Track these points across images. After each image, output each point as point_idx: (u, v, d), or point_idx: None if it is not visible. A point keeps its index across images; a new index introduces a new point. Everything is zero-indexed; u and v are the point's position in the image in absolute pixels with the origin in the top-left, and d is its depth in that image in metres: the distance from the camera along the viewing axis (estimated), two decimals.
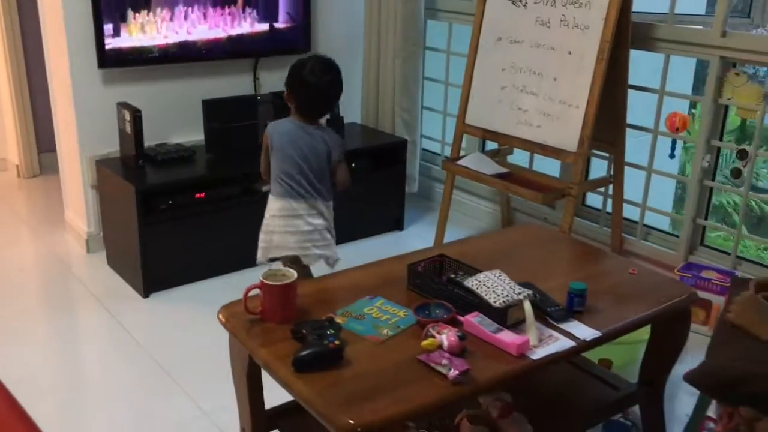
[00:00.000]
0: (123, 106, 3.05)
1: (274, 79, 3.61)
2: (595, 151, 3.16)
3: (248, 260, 3.13)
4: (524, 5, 3.01)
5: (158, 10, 3.14)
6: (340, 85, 2.49)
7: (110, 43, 3.05)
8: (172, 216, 2.95)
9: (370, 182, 3.54)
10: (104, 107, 3.17)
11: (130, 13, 3.08)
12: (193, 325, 2.79)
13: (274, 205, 2.49)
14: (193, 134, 3.38)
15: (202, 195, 3.02)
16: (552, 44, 2.91)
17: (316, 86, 2.41)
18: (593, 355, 2.23)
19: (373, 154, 3.58)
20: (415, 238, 3.59)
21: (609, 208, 3.21)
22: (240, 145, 3.27)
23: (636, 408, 2.17)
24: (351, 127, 3.79)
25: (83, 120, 3.15)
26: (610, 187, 3.15)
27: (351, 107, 3.86)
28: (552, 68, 2.92)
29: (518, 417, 1.88)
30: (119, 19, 3.05)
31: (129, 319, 2.83)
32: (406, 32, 3.65)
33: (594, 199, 3.45)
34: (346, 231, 3.47)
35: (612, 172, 3.10)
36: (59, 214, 3.63)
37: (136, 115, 2.98)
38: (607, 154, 3.16)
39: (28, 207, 3.99)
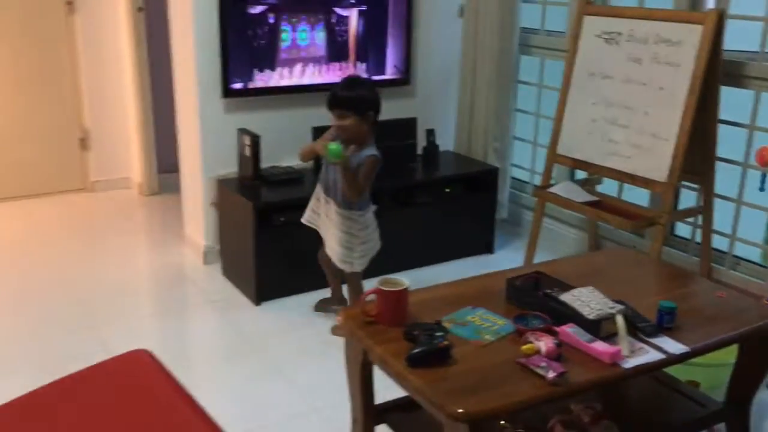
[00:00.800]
0: (243, 131, 3.38)
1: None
2: (685, 183, 3.27)
3: None
4: (617, 43, 3.17)
5: (279, 68, 3.50)
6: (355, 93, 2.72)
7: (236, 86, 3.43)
8: (283, 231, 3.24)
9: (462, 207, 3.75)
10: (225, 132, 3.52)
11: (255, 72, 3.46)
12: (300, 330, 3.06)
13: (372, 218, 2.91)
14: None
15: None
16: (643, 80, 3.06)
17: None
18: (681, 377, 2.35)
19: (465, 181, 3.79)
20: (505, 260, 3.76)
21: (698, 239, 3.30)
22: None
23: (722, 427, 2.27)
24: (445, 155, 4.02)
25: (206, 144, 3.51)
26: (700, 217, 3.25)
27: (445, 136, 4.09)
28: (643, 102, 3.06)
29: (608, 424, 2.02)
30: (247, 76, 3.44)
31: (243, 323, 3.12)
32: (500, 67, 3.87)
33: (683, 230, 3.54)
34: (439, 252, 3.70)
35: (701, 203, 3.20)
36: (177, 228, 4.01)
37: (255, 140, 3.30)
38: (696, 186, 3.26)
39: (149, 222, 4.40)
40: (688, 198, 3.46)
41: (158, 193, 4.74)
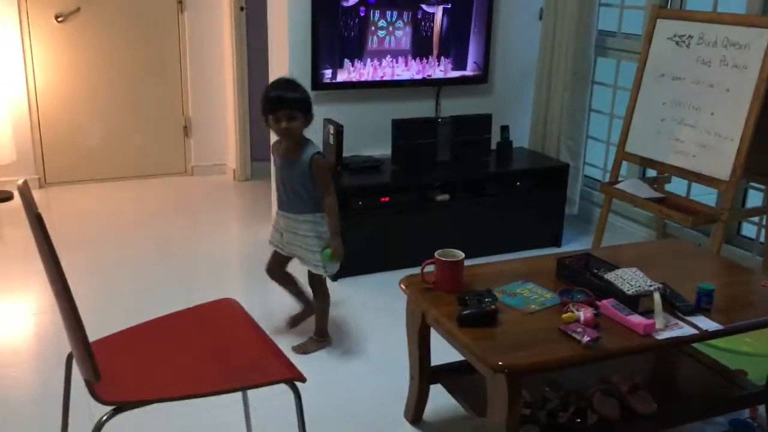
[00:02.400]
0: (328, 121, 3.69)
1: (452, 104, 4.13)
2: (752, 184, 3.33)
3: (419, 259, 3.64)
4: (687, 46, 3.28)
5: (365, 62, 3.78)
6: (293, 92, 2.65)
7: (326, 78, 3.73)
8: (361, 215, 3.52)
9: (533, 201, 3.93)
10: (313, 122, 3.80)
11: (346, 61, 3.75)
12: (372, 304, 3.32)
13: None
14: (380, 148, 3.95)
15: (387, 199, 3.57)
16: (711, 81, 3.16)
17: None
18: (730, 365, 2.45)
19: (536, 176, 3.96)
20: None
21: (762, 238, 3.35)
22: (421, 159, 3.80)
23: (764, 411, 2.37)
24: (518, 151, 4.20)
25: None
26: (765, 217, 3.30)
27: (520, 133, 4.27)
28: (710, 103, 3.16)
29: (644, 394, 2.18)
30: (336, 65, 3.74)
31: None
32: (576, 68, 4.01)
33: (751, 230, 3.59)
34: (507, 242, 3.89)
35: (766, 203, 3.26)
36: (266, 211, 4.36)
37: (339, 130, 3.60)
38: (763, 186, 3.32)
39: (241, 204, 4.79)
40: (757, 199, 3.51)
41: (250, 179, 5.14)
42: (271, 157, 2.86)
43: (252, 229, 4.26)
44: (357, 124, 3.87)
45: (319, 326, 2.92)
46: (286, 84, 2.68)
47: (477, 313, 2.01)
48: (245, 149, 5.10)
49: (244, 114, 5.02)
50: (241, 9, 4.82)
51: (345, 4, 3.67)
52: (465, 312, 2.01)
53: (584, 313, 2.00)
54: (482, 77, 4.12)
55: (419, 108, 4.05)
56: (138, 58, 4.88)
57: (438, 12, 3.88)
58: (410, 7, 3.81)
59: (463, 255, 2.23)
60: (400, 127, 3.76)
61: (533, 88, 4.29)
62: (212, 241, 4.06)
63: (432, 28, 3.89)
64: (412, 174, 3.75)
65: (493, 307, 2.03)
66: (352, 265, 3.57)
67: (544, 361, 1.87)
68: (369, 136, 3.94)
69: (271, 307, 3.38)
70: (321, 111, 3.81)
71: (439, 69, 3.97)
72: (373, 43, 3.77)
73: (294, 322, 3.05)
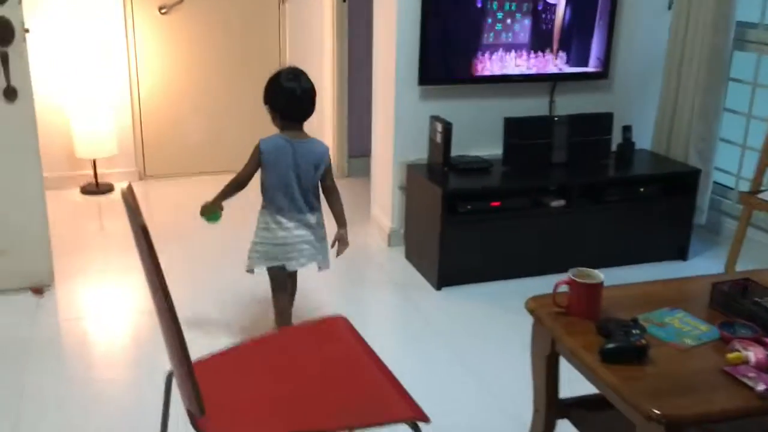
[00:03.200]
0: (436, 119, 3.45)
1: (568, 102, 3.81)
2: None
3: (531, 269, 3.36)
4: None
5: (478, 56, 3.52)
6: (313, 88, 2.61)
7: (434, 73, 3.49)
8: (469, 219, 3.27)
9: (657, 209, 3.57)
10: (418, 119, 3.61)
11: (457, 55, 3.50)
12: (480, 317, 3.07)
13: (265, 219, 2.64)
14: (490, 148, 3.69)
15: (498, 204, 3.31)
16: None
17: (293, 90, 2.56)
18: None
19: (662, 181, 3.59)
20: (700, 269, 3.52)
21: None
22: (534, 161, 3.51)
23: None
24: (640, 153, 3.84)
25: (399, 129, 3.62)
26: None
27: (643, 134, 3.91)
28: None
29: None
30: (446, 59, 3.50)
31: (422, 306, 3.19)
32: (711, 64, 3.62)
33: None
34: (628, 253, 3.54)
35: None
36: (365, 210, 4.18)
37: (447, 128, 3.35)
38: None
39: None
40: None
41: (348, 176, 4.95)
42: (260, 156, 2.67)
43: (351, 229, 4.06)
44: (465, 121, 3.62)
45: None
46: (304, 77, 2.60)
47: (625, 347, 1.73)
48: (342, 145, 4.93)
49: (342, 108, 4.85)
50: (343, 1, 4.64)
51: None
52: (610, 346, 1.73)
53: (755, 354, 1.68)
54: (603, 72, 3.78)
55: (532, 106, 3.76)
56: (238, 51, 4.79)
57: (561, 3, 3.57)
58: None
59: (603, 277, 1.94)
60: (512, 126, 3.48)
61: (660, 85, 3.91)
62: None
63: (553, 20, 3.58)
64: (524, 177, 3.46)
65: (643, 341, 1.74)
66: (456, 274, 3.33)
67: (709, 411, 1.57)
68: (477, 134, 3.68)
69: (370, 318, 3.19)
70: (427, 107, 3.59)
71: (558, 64, 3.66)
72: (488, 36, 3.50)
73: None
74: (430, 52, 3.45)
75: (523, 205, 3.36)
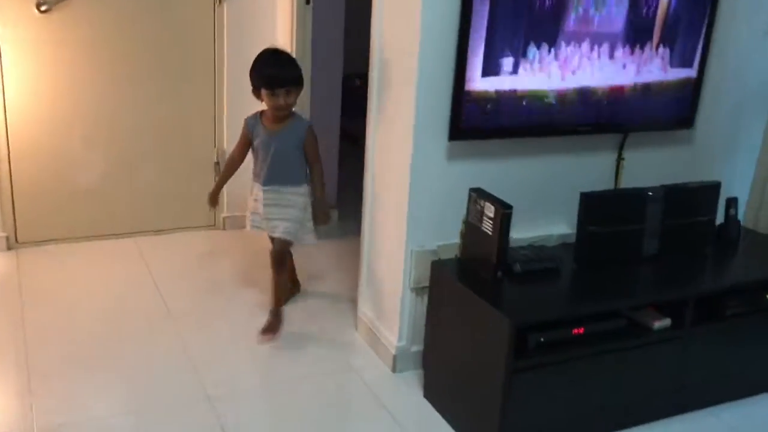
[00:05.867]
0: (481, 195, 2.24)
1: (639, 159, 2.71)
2: None
3: (628, 418, 2.24)
4: None
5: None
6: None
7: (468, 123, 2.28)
8: (544, 357, 2.09)
9: None
10: (445, 188, 2.40)
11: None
12: None
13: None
14: (539, 227, 2.55)
15: (581, 331, 2.14)
16: None
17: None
18: None
19: None
20: None
21: None
22: (620, 255, 2.38)
23: None
24: (751, 237, 2.77)
25: (418, 204, 2.39)
26: None
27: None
28: None
29: None
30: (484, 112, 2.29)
31: None
32: None
33: None
34: (754, 386, 2.49)
35: None
36: (343, 306, 2.94)
37: (506, 214, 2.15)
38: None
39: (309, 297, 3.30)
40: None
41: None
42: (247, 130, 2.76)
43: (322, 341, 2.80)
44: (500, 186, 2.42)
45: (279, 299, 2.84)
46: (282, 59, 2.69)
47: None
48: None
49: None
50: (307, 2, 3.36)
51: None
52: None
53: None
54: (687, 120, 2.70)
55: (587, 163, 2.64)
56: (154, 62, 3.39)
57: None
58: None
59: None
60: (592, 205, 2.32)
61: (760, 135, 2.87)
62: (255, 366, 2.61)
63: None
64: (612, 283, 2.32)
65: None
66: None
67: None
68: (518, 207, 2.50)
69: None
70: (456, 171, 2.40)
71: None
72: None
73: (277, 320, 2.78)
74: (471, 91, 2.25)
75: (615, 330, 2.21)
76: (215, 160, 3.62)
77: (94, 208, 3.45)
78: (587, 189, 2.37)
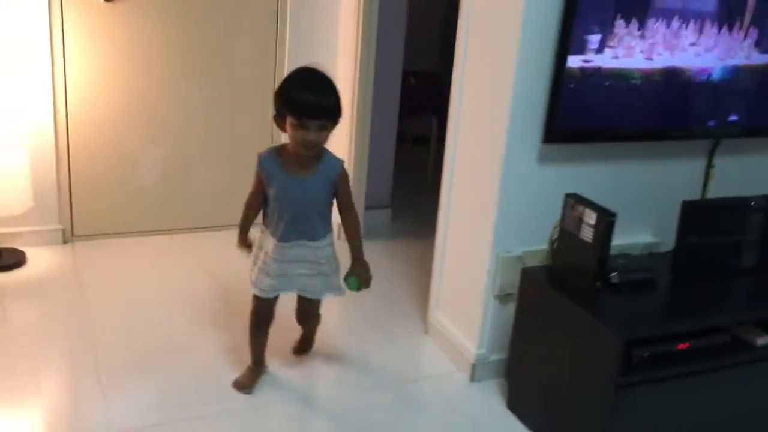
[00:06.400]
0: (579, 200, 2.15)
1: (727, 165, 2.61)
2: None
3: None
4: None
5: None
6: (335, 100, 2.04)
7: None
8: (648, 373, 1.99)
9: None
10: (534, 193, 2.31)
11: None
12: None
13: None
14: (624, 235, 2.44)
15: (685, 346, 2.04)
16: None
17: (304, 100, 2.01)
18: None
19: None
20: None
21: None
22: (715, 269, 2.28)
23: None
24: None
25: (507, 210, 2.30)
26: None
27: None
28: None
29: None
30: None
31: None
32: None
33: None
34: None
35: None
36: (412, 315, 2.86)
37: (609, 222, 2.05)
38: None
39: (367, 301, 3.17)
40: None
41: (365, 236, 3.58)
42: (262, 173, 2.16)
43: (391, 345, 2.71)
44: (591, 192, 2.32)
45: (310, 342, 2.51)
46: (321, 83, 2.05)
47: None
48: (359, 193, 3.55)
49: (363, 138, 3.47)
50: None
51: None
52: None
53: None
54: None
55: (671, 169, 2.54)
56: (214, 63, 3.32)
57: None
58: None
59: None
60: (693, 214, 2.22)
61: None
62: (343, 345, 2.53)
63: None
64: (706, 296, 2.22)
65: None
66: None
67: None
68: (630, 214, 2.40)
69: None
70: (547, 175, 2.31)
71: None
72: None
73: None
74: (574, 90, 2.16)
75: (719, 346, 2.11)
76: None
77: (150, 204, 3.38)
78: (674, 196, 2.27)
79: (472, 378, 2.47)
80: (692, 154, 2.57)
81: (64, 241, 3.22)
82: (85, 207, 3.25)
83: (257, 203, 2.21)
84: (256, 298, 2.24)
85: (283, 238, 2.14)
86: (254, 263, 2.23)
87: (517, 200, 2.31)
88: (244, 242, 2.27)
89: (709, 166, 2.59)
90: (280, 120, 2.06)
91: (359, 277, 2.22)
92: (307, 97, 1.99)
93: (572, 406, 2.08)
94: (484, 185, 2.35)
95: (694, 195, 2.59)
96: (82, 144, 3.17)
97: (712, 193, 2.61)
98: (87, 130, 3.17)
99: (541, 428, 2.21)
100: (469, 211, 2.47)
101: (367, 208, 3.62)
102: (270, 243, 2.17)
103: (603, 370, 1.94)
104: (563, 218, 2.20)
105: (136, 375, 2.34)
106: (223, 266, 3.17)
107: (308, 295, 2.28)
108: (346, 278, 2.25)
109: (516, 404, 2.32)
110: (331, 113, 2.03)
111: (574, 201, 2.16)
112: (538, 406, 2.23)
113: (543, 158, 2.30)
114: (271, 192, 2.13)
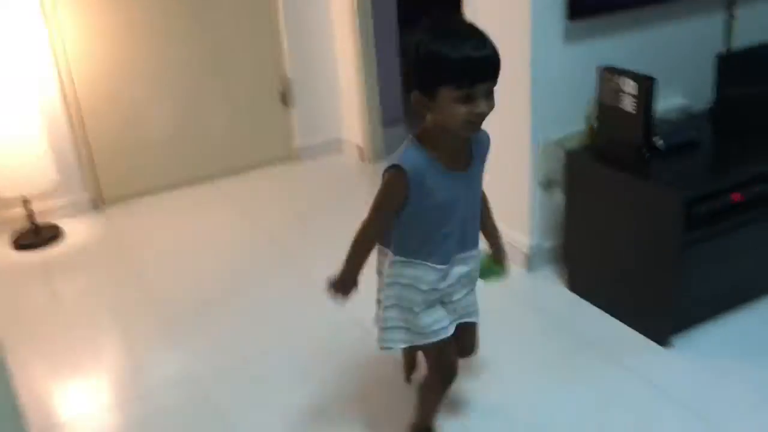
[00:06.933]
0: (614, 71, 2.12)
1: (751, 20, 2.57)
2: None
3: None
4: None
5: None
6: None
7: None
8: (709, 229, 2.02)
9: None
10: (566, 74, 2.29)
11: None
12: (730, 376, 1.90)
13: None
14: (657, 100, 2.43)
15: (739, 197, 2.06)
16: None
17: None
18: None
19: None
20: None
21: None
22: (755, 121, 2.27)
23: None
24: None
25: (541, 93, 2.28)
26: None
27: None
28: None
29: None
30: None
31: (653, 377, 1.96)
32: None
33: None
34: None
35: None
36: None
37: (648, 86, 2.04)
38: None
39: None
40: None
41: (384, 157, 3.56)
42: (413, 188, 1.47)
43: None
44: (640, 58, 2.29)
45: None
46: (471, 30, 1.41)
47: None
48: (374, 114, 3.52)
49: (369, 63, 3.42)
50: None
51: None
52: None
53: None
54: None
55: (687, 27, 2.49)
56: (212, 15, 3.23)
57: None
58: None
59: None
60: (730, 66, 2.20)
61: None
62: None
63: None
64: (752, 146, 2.22)
65: None
66: (692, 314, 2.12)
67: None
68: (669, 73, 2.36)
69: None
70: (575, 54, 2.28)
71: None
72: None
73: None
74: None
75: (762, 192, 2.13)
76: (280, 89, 3.49)
77: (171, 156, 3.36)
78: (699, 55, 2.24)
79: (528, 268, 2.51)
80: (711, 8, 2.53)
81: (95, 208, 3.22)
82: (109, 172, 3.23)
83: (389, 227, 1.58)
84: (437, 347, 1.63)
85: (444, 260, 1.58)
86: (386, 309, 1.63)
87: (550, 83, 2.28)
88: (354, 283, 1.62)
89: (731, 16, 2.55)
90: (421, 99, 1.43)
91: (502, 264, 1.78)
92: (471, 53, 1.36)
93: (638, 275, 2.11)
94: (513, 72, 2.31)
95: (718, 50, 2.55)
96: (94, 110, 3.13)
97: (737, 46, 2.58)
98: (96, 95, 3.11)
99: (608, 303, 2.26)
100: (502, 103, 2.44)
101: (385, 125, 3.59)
102: (425, 274, 1.57)
103: (666, 233, 1.97)
104: (600, 92, 2.18)
105: (200, 324, 2.38)
106: (258, 208, 3.17)
107: (473, 319, 1.72)
108: (485, 272, 1.74)
109: (578, 285, 2.36)
110: (498, 69, 1.42)
111: (609, 73, 2.14)
112: (602, 282, 2.27)
113: (571, 37, 2.26)
114: (428, 201, 1.50)
